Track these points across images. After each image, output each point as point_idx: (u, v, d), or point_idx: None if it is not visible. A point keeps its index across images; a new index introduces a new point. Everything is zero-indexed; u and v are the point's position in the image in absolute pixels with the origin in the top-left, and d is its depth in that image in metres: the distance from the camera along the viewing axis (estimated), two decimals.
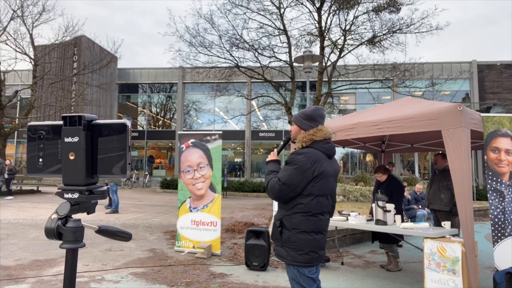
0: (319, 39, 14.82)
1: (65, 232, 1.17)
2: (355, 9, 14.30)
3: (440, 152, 5.77)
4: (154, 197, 16.64)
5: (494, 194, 3.78)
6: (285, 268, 2.54)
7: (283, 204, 2.50)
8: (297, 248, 2.40)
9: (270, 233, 2.60)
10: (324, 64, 14.81)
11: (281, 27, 14.67)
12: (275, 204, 6.98)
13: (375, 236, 5.44)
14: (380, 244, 6.54)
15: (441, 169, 5.47)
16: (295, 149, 2.55)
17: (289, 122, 14.96)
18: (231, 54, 14.87)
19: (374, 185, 6.39)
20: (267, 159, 2.65)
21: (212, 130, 21.81)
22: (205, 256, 5.61)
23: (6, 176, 13.92)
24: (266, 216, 10.10)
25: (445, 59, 31.34)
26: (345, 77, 15.76)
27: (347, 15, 14.57)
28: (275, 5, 14.38)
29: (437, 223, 5.40)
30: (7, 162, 14.45)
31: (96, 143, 1.18)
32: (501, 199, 3.76)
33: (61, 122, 1.19)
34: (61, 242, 1.18)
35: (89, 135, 1.17)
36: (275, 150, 2.67)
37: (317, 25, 14.75)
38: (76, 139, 1.16)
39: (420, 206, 8.51)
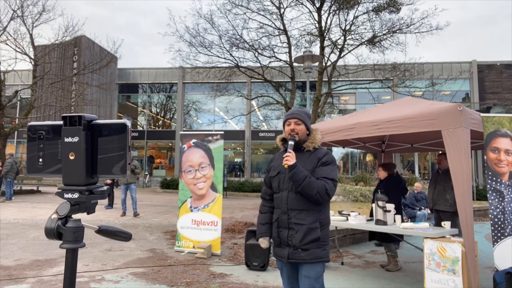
0: (319, 39, 14.80)
1: (65, 232, 1.17)
2: (355, 9, 14.29)
3: (444, 152, 5.76)
4: (154, 197, 16.65)
5: (494, 194, 3.79)
6: (306, 270, 2.40)
7: (317, 205, 2.44)
8: (328, 243, 2.49)
9: (300, 240, 2.39)
10: (324, 64, 14.79)
11: (281, 27, 14.65)
12: None
13: (372, 235, 5.45)
14: (375, 242, 6.52)
15: (444, 169, 5.44)
16: (303, 148, 2.53)
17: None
18: (231, 54, 14.85)
19: (374, 185, 6.39)
20: (292, 163, 2.38)
21: (212, 130, 21.83)
22: (205, 256, 5.61)
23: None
24: None
25: (445, 59, 31.34)
26: (345, 77, 15.74)
27: (347, 15, 14.56)
28: (275, 5, 14.36)
29: (438, 224, 5.39)
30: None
31: (96, 143, 1.18)
32: (501, 199, 3.76)
33: (61, 122, 1.19)
34: (61, 242, 1.18)
35: (89, 135, 1.17)
36: (292, 151, 2.44)
37: (317, 25, 14.73)
38: (76, 139, 1.16)
39: (422, 208, 8.45)
